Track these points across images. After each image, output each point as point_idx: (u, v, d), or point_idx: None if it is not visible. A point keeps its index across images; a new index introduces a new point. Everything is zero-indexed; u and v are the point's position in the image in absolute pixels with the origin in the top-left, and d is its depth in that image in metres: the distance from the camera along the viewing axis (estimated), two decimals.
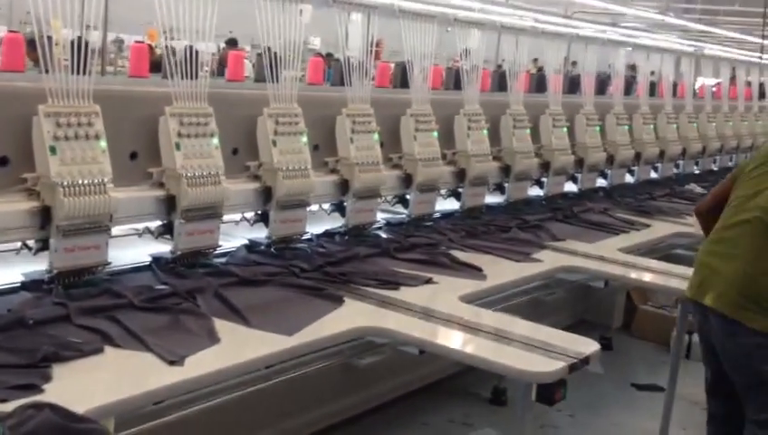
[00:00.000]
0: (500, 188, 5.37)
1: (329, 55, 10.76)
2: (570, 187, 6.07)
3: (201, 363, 2.54)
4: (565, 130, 5.77)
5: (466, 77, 4.92)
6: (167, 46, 3.32)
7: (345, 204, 4.21)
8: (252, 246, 3.82)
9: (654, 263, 4.48)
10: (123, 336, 2.67)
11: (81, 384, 2.35)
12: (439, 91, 5.49)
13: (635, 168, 6.79)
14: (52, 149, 2.95)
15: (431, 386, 4.44)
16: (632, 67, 7.81)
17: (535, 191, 5.73)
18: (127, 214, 3.28)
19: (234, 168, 3.71)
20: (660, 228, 5.35)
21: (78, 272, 3.09)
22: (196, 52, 3.38)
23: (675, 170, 7.46)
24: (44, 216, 2.98)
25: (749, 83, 9.07)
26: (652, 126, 6.91)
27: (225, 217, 3.64)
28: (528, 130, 5.40)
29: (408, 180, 4.55)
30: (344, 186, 4.15)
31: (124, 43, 12.69)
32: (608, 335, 5.57)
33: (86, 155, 3.02)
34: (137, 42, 5.09)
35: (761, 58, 9.96)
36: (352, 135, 4.15)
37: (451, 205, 5.01)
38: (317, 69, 5.13)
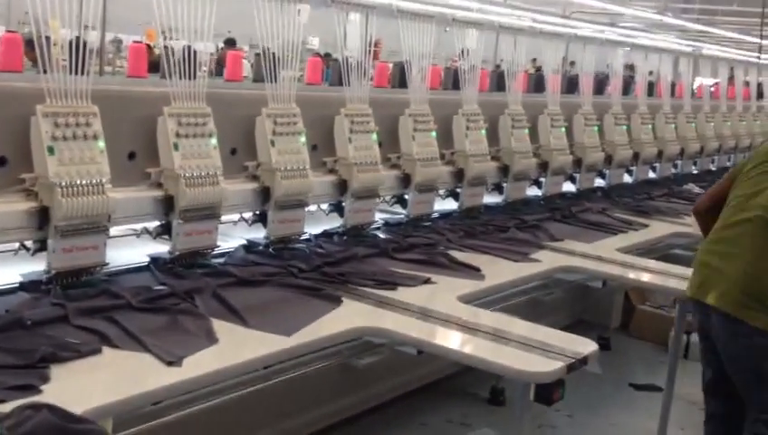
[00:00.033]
0: (498, 188, 5.37)
1: (327, 55, 10.77)
2: (568, 187, 6.08)
3: (199, 364, 2.54)
4: (563, 130, 5.77)
5: (465, 77, 4.92)
6: (165, 46, 3.32)
7: (343, 204, 4.21)
8: (250, 247, 3.82)
9: (652, 263, 4.48)
10: (121, 337, 2.67)
11: (80, 385, 2.35)
12: (438, 91, 5.50)
13: (633, 168, 6.79)
14: (51, 150, 2.95)
15: (429, 386, 4.44)
16: (630, 67, 7.81)
17: (534, 191, 5.73)
18: (125, 214, 3.28)
19: (232, 168, 3.71)
20: (658, 228, 5.35)
21: (76, 272, 3.08)
22: (195, 52, 3.38)
23: (673, 170, 7.46)
24: (42, 216, 2.97)
25: (747, 83, 9.08)
26: (650, 126, 6.92)
27: (224, 218, 3.64)
28: (526, 130, 5.40)
29: (406, 180, 4.55)
30: (342, 186, 4.15)
31: (122, 43, 12.68)
32: (606, 335, 5.57)
33: (84, 155, 3.02)
34: (135, 42, 5.09)
35: (759, 58, 9.98)
36: (351, 135, 4.15)
37: (449, 205, 5.01)
38: (315, 69, 5.13)
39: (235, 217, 3.86)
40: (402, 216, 4.66)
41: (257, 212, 3.85)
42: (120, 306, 2.92)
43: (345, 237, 4.20)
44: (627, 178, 6.77)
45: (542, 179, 5.72)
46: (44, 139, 2.94)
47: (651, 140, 6.88)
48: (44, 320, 2.72)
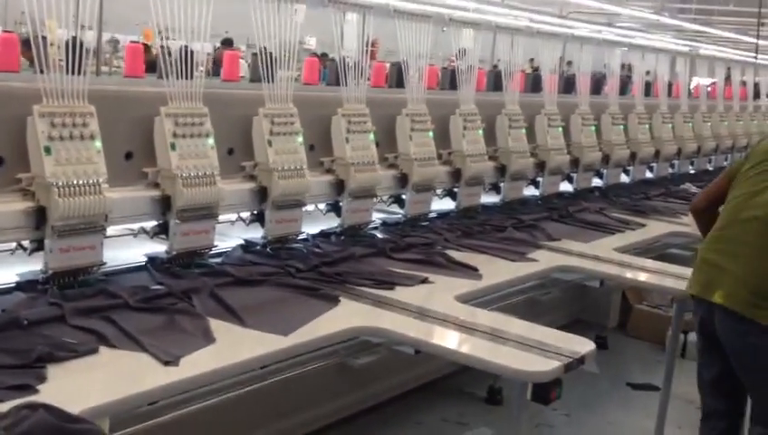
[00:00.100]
0: (495, 188, 5.37)
1: (324, 55, 10.76)
2: (565, 186, 6.08)
3: (196, 363, 2.54)
4: (561, 129, 5.77)
5: (462, 77, 4.92)
6: (162, 46, 3.32)
7: (341, 204, 4.21)
8: (247, 246, 3.82)
9: (649, 262, 4.48)
10: (118, 336, 2.66)
11: (76, 385, 2.35)
12: (435, 90, 5.50)
13: (630, 167, 6.79)
14: (47, 150, 2.94)
15: (426, 385, 4.44)
16: (628, 67, 7.81)
17: (531, 191, 5.73)
18: (122, 214, 3.27)
19: (229, 168, 3.71)
20: (656, 228, 5.36)
21: (73, 272, 3.08)
22: (192, 52, 3.38)
23: (670, 170, 7.47)
24: (39, 216, 2.97)
25: (744, 83, 9.09)
26: (647, 126, 6.92)
27: (221, 218, 3.64)
28: (523, 130, 5.40)
29: (403, 180, 4.55)
30: (340, 186, 4.15)
31: (119, 43, 12.68)
32: (603, 335, 5.58)
33: (81, 155, 3.02)
34: (132, 42, 5.08)
35: (756, 58, 9.98)
36: (348, 135, 4.15)
37: (447, 205, 5.02)
38: (312, 69, 5.14)
39: (233, 216, 3.86)
40: (399, 215, 4.66)
41: (255, 212, 3.85)
42: (117, 306, 2.92)
43: (342, 237, 4.20)
44: (624, 178, 6.78)
45: (540, 179, 5.72)
46: (41, 139, 2.94)
47: (648, 139, 6.89)
48: (41, 320, 2.71)
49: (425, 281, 3.64)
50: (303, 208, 3.97)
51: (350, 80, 4.16)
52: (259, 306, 3.11)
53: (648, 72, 7.64)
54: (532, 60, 7.61)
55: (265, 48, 3.67)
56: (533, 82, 6.37)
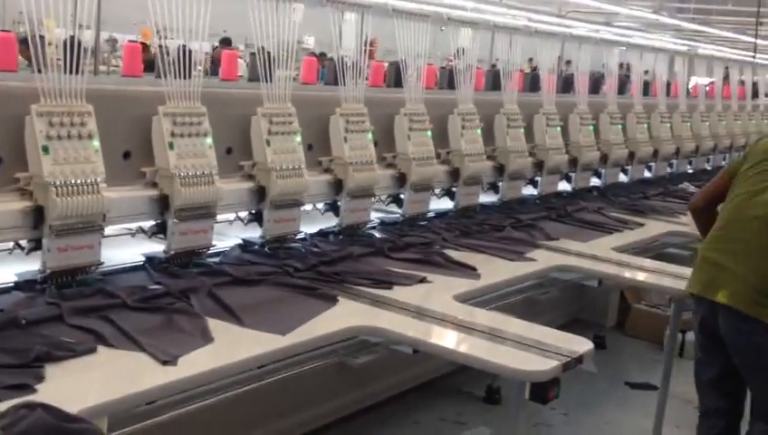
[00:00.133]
0: (494, 188, 5.38)
1: (322, 55, 10.75)
2: (563, 186, 6.08)
3: (194, 363, 2.54)
4: (559, 129, 5.77)
5: (460, 76, 4.92)
6: (160, 45, 3.31)
7: (339, 203, 4.21)
8: (246, 246, 3.82)
9: (647, 262, 4.49)
10: (116, 336, 2.66)
11: (74, 384, 2.35)
12: (433, 90, 5.49)
13: (628, 167, 6.79)
14: (45, 149, 2.94)
15: (425, 385, 4.45)
16: (626, 66, 7.82)
17: (529, 190, 5.73)
18: (120, 214, 3.27)
19: (227, 167, 3.71)
20: (654, 227, 5.36)
21: (71, 272, 3.08)
22: (190, 51, 3.38)
23: (668, 169, 7.47)
24: (37, 215, 2.97)
25: (742, 82, 9.09)
26: (646, 125, 6.92)
27: (219, 217, 3.64)
28: (522, 130, 5.40)
29: (401, 180, 4.55)
30: (338, 185, 4.15)
31: (118, 42, 12.66)
32: (601, 334, 5.58)
33: (79, 155, 3.02)
34: (130, 41, 5.08)
35: (754, 57, 9.99)
36: (346, 134, 4.15)
37: (445, 204, 5.02)
38: (311, 68, 5.12)
39: (231, 216, 3.86)
40: (398, 215, 4.66)
41: (253, 211, 3.85)
42: (115, 306, 2.91)
43: (341, 237, 4.20)
44: (622, 178, 6.78)
45: (538, 179, 5.72)
46: (39, 138, 2.94)
47: (647, 139, 6.89)
48: (39, 319, 2.71)
49: (423, 280, 3.64)
50: (302, 208, 3.97)
51: (349, 79, 4.16)
52: (257, 306, 3.11)
53: (646, 72, 7.64)
54: (530, 59, 7.60)
55: (263, 47, 3.67)
56: (532, 82, 6.38)
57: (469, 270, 3.85)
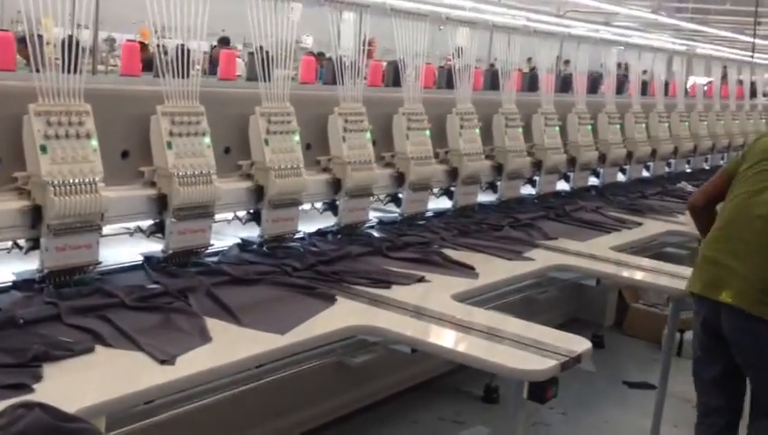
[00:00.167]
0: (492, 187, 5.38)
1: (321, 54, 10.75)
2: (562, 185, 6.08)
3: (193, 362, 2.54)
4: (557, 128, 5.78)
5: (459, 76, 4.92)
6: (158, 45, 3.31)
7: (337, 203, 4.21)
8: (244, 245, 3.82)
9: (646, 261, 4.49)
10: (114, 336, 2.66)
11: (72, 384, 2.35)
12: (432, 89, 5.50)
13: (627, 166, 6.80)
14: (43, 148, 2.94)
15: (423, 384, 4.45)
16: (625, 66, 7.82)
17: (527, 190, 5.73)
18: (118, 213, 3.27)
19: (226, 167, 3.71)
20: (652, 227, 5.36)
21: (69, 271, 3.08)
22: (188, 50, 3.38)
23: (666, 169, 7.47)
24: (35, 215, 2.97)
25: (740, 82, 9.09)
26: (644, 125, 6.93)
27: (217, 216, 3.64)
28: (520, 129, 5.40)
29: (400, 179, 4.55)
30: (336, 185, 4.15)
31: (116, 41, 12.65)
32: (600, 333, 5.59)
33: (77, 154, 3.01)
34: (129, 40, 5.07)
35: (752, 57, 10.00)
36: (345, 134, 4.15)
37: (443, 203, 5.02)
38: (309, 68, 5.12)
39: (229, 215, 3.86)
40: (396, 214, 4.66)
41: (251, 211, 3.85)
42: (113, 305, 2.91)
43: (339, 236, 4.20)
44: (620, 177, 6.78)
45: (536, 178, 5.72)
46: (37, 137, 2.93)
47: (645, 138, 6.89)
48: (37, 319, 2.71)
49: (421, 280, 3.64)
50: (300, 207, 3.97)
51: (347, 79, 4.16)
52: (255, 305, 3.11)
53: (644, 72, 7.64)
54: (529, 59, 7.60)
55: (262, 47, 3.67)
56: (530, 82, 6.37)
57: (467, 269, 3.85)
